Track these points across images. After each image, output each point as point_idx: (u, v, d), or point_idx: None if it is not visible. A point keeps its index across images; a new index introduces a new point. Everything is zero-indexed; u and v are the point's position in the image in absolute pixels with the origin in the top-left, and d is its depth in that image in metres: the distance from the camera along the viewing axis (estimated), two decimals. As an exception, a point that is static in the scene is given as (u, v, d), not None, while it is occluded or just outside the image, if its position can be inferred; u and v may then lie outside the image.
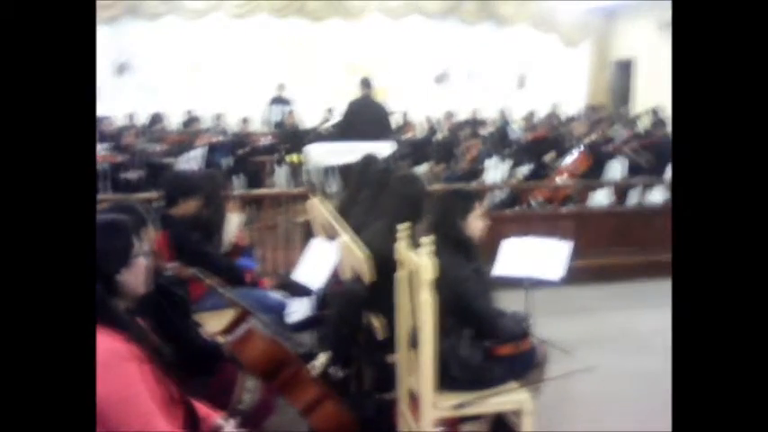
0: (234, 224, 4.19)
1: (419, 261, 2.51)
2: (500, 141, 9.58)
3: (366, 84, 7.05)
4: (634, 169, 7.75)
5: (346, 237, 3.28)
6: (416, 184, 3.41)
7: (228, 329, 2.79)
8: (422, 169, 9.66)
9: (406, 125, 10.89)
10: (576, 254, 5.72)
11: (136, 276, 1.90)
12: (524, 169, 8.28)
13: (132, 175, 7.57)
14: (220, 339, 2.78)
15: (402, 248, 2.77)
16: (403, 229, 2.78)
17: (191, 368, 2.43)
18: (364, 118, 6.80)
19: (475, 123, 10.36)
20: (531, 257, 4.12)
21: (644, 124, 10.05)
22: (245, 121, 9.80)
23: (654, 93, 12.06)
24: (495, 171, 8.27)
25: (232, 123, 10.91)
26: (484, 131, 9.72)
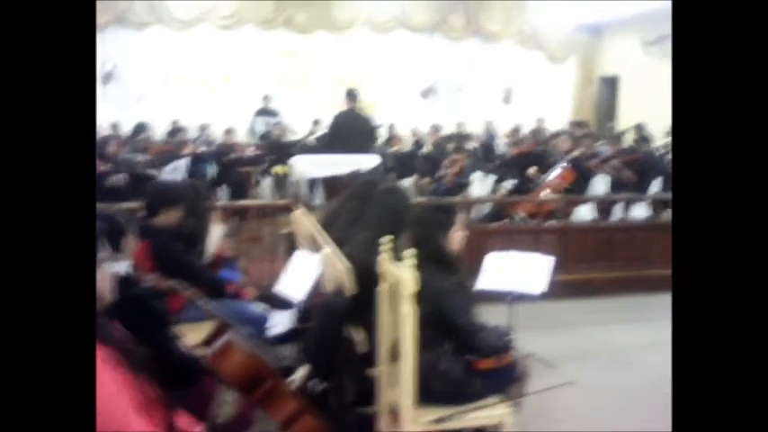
0: (216, 235, 4.16)
1: (401, 274, 2.50)
2: (485, 156, 9.63)
3: (352, 96, 7.04)
4: (618, 185, 7.81)
5: (329, 249, 3.26)
6: (400, 196, 3.41)
7: (207, 342, 2.76)
8: (408, 182, 9.69)
9: (392, 138, 10.92)
10: (560, 268, 5.73)
11: (102, 281, 1.90)
12: (509, 184, 8.31)
13: (115, 184, 7.50)
14: (199, 352, 2.75)
15: (384, 261, 2.76)
16: (385, 241, 2.77)
17: (168, 380, 2.40)
18: (350, 130, 6.78)
19: (460, 137, 10.40)
20: (515, 272, 4.12)
21: (628, 140, 10.14)
22: (228, 131, 9.78)
23: (638, 109, 12.19)
24: (481, 185, 8.30)
25: (218, 134, 10.88)
26: (469, 145, 9.76)
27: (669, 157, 9.18)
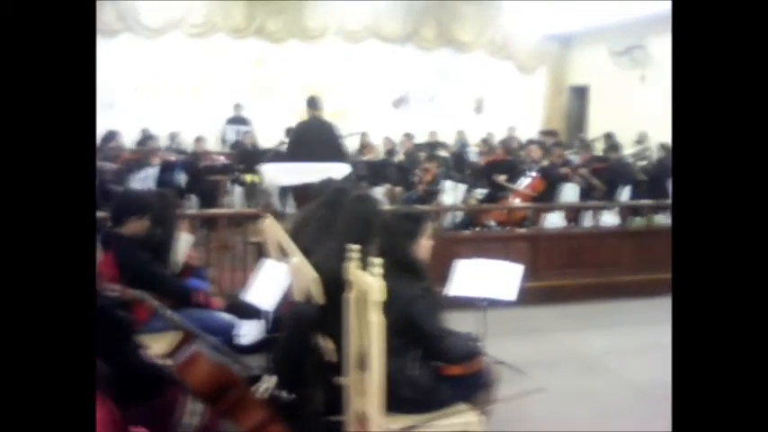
0: (184, 244, 4.11)
1: (369, 282, 2.49)
2: (457, 165, 9.67)
3: (313, 104, 6.87)
4: (587, 193, 7.90)
5: (298, 257, 3.24)
6: (370, 204, 3.40)
7: (174, 352, 2.73)
8: (380, 191, 9.68)
9: (365, 147, 10.91)
10: (531, 275, 5.78)
11: None
12: (480, 191, 8.36)
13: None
14: (166, 362, 2.71)
15: (352, 269, 2.75)
16: (354, 249, 2.76)
17: (133, 392, 2.36)
18: (312, 139, 6.59)
19: (433, 146, 10.44)
20: (485, 279, 4.14)
21: (598, 149, 10.27)
22: (198, 140, 9.70)
23: (607, 118, 12.38)
24: (452, 193, 8.34)
25: (188, 142, 10.79)
26: (441, 154, 9.79)
27: (638, 165, 9.33)
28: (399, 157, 10.06)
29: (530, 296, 5.30)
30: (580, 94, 14.24)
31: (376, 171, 9.72)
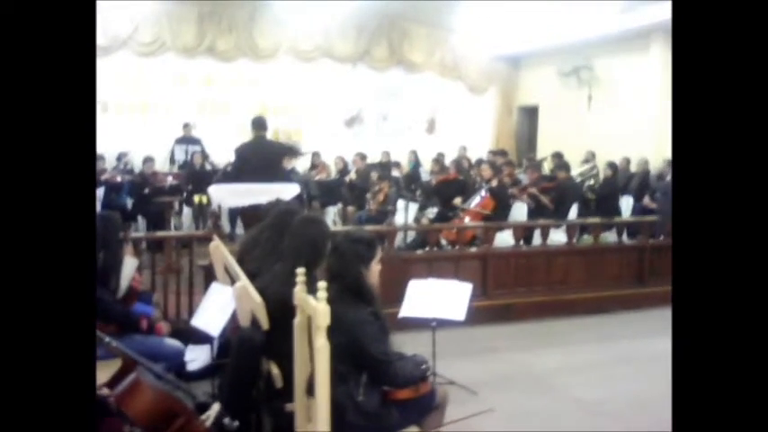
0: (130, 268, 4.02)
1: (314, 306, 2.47)
2: (410, 184, 9.73)
3: (257, 124, 6.74)
4: (536, 211, 8.02)
5: (245, 281, 3.19)
6: (317, 226, 3.36)
7: (113, 381, 2.64)
8: (333, 210, 9.67)
9: (318, 166, 10.89)
10: (481, 294, 5.83)
11: None
12: (432, 211, 8.41)
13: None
14: (105, 392, 2.63)
15: (300, 293, 2.72)
16: (301, 273, 2.73)
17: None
18: (256, 161, 6.50)
19: (385, 165, 10.48)
20: (435, 299, 4.15)
21: (547, 168, 10.46)
22: (146, 160, 9.53)
23: (555, 136, 12.65)
24: (404, 212, 8.37)
25: (137, 163, 10.59)
26: (394, 174, 9.84)
27: (587, 183, 9.54)
28: (352, 177, 10.07)
29: (480, 315, 5.34)
30: (529, 113, 14.51)
31: (328, 191, 9.72)
